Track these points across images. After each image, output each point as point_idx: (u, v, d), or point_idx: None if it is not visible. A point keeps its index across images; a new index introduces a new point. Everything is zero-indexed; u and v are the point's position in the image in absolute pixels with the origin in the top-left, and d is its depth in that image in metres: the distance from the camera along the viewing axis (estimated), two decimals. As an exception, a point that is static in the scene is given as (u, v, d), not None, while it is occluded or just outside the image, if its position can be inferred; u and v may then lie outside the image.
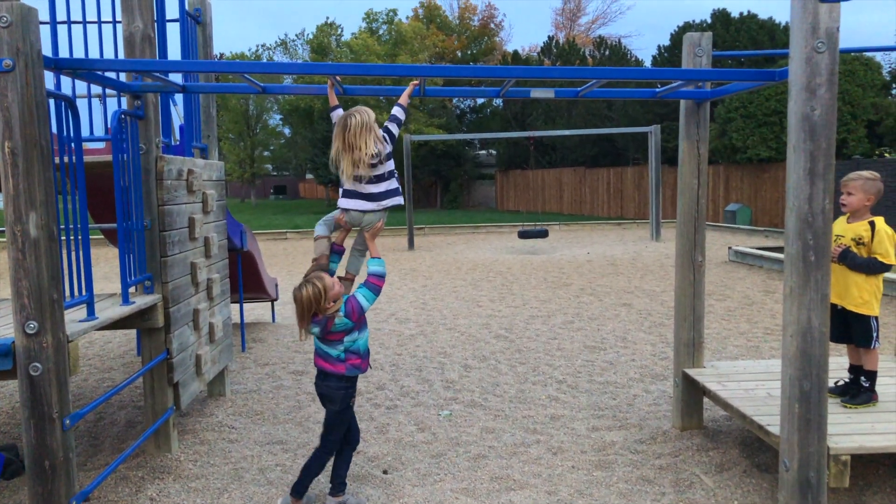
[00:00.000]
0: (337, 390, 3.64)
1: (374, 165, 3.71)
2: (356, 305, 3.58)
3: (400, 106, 3.95)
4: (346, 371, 3.62)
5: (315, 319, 3.55)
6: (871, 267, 3.99)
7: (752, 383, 4.47)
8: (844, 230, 4.11)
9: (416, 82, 3.99)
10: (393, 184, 3.83)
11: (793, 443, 3.34)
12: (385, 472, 4.20)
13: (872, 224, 4.02)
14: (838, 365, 4.46)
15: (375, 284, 3.66)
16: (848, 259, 4.01)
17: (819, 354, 3.28)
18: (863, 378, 4.10)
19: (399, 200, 3.90)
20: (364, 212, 3.79)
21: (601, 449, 4.50)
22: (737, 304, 9.37)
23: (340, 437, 3.73)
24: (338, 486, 3.75)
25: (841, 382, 4.22)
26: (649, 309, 9.21)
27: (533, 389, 5.82)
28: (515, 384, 5.98)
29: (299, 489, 3.69)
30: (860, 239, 4.03)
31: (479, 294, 10.68)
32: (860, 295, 4.02)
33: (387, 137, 3.79)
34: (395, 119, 3.89)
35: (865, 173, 4.09)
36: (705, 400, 4.74)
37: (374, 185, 3.77)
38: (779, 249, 12.93)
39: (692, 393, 4.71)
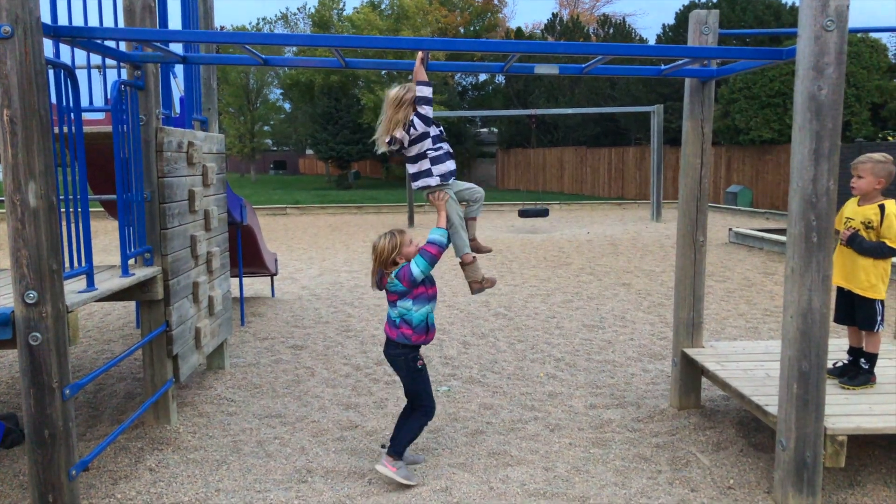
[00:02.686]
0: (397, 356, 3.76)
1: (398, 149, 3.82)
2: (407, 271, 3.64)
3: (420, 83, 3.83)
4: (396, 337, 3.73)
5: (379, 270, 3.71)
6: (879, 251, 3.95)
7: (750, 364, 4.49)
8: (854, 213, 4.07)
9: (421, 55, 3.93)
10: (424, 165, 3.82)
11: (790, 423, 3.35)
12: (383, 446, 4.22)
13: (882, 207, 3.96)
14: (837, 346, 4.47)
15: (429, 252, 3.66)
16: (856, 243, 3.97)
17: (819, 335, 3.28)
18: (863, 360, 4.11)
19: (427, 182, 3.84)
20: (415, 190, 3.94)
21: (598, 426, 4.52)
22: (736, 285, 9.38)
23: (430, 398, 3.84)
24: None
25: (839, 364, 4.23)
26: (648, 289, 9.22)
27: (531, 367, 5.84)
28: (514, 361, 6.00)
29: (397, 449, 3.76)
30: (869, 222, 3.98)
31: (479, 272, 10.68)
32: (867, 278, 3.99)
33: (414, 122, 3.76)
34: (422, 101, 3.79)
35: (876, 156, 4.02)
36: (703, 379, 4.76)
37: (410, 165, 3.86)
38: (779, 231, 12.92)
39: (690, 372, 4.72)
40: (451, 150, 3.92)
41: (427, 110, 3.78)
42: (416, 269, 3.62)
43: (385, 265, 3.68)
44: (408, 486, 3.68)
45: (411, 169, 3.86)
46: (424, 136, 3.79)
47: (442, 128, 3.92)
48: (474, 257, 3.94)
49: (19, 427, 4.17)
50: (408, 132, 3.77)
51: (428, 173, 3.82)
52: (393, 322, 3.75)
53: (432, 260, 3.65)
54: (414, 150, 3.81)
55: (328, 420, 4.64)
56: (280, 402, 4.98)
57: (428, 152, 3.81)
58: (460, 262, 3.96)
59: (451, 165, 3.86)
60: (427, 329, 3.76)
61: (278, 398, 5.08)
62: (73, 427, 3.28)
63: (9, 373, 5.70)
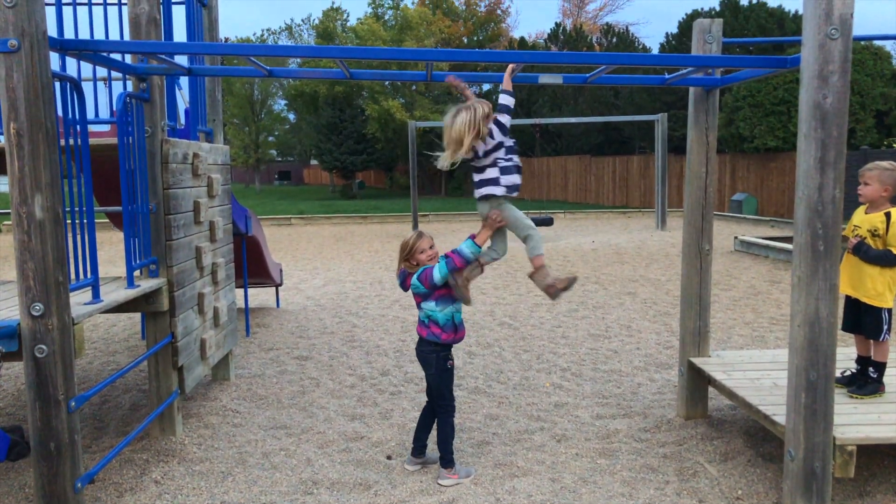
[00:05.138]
0: (428, 354, 3.88)
1: (470, 159, 3.81)
2: (428, 274, 3.76)
3: (505, 92, 3.86)
4: (427, 336, 3.85)
5: (400, 270, 3.90)
6: (885, 259, 3.92)
7: (757, 373, 4.46)
8: (862, 221, 4.03)
9: (512, 66, 3.90)
10: (492, 173, 3.80)
11: (798, 432, 3.33)
12: (389, 457, 4.20)
13: (888, 215, 3.92)
14: (845, 355, 4.44)
15: (451, 259, 3.74)
16: (862, 251, 3.95)
17: (826, 344, 3.26)
18: (871, 369, 4.08)
19: (493, 191, 3.81)
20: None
21: (605, 437, 4.49)
22: (742, 293, 9.35)
23: (452, 397, 3.96)
24: (419, 448, 4.04)
25: (848, 372, 4.20)
26: (654, 298, 9.19)
27: (537, 377, 5.81)
28: (519, 371, 5.98)
29: (447, 459, 3.89)
30: (875, 230, 3.95)
31: (483, 281, 10.67)
32: (874, 287, 3.96)
33: (493, 132, 3.75)
34: (504, 109, 3.81)
35: (884, 163, 4.00)
36: (710, 389, 4.73)
37: (477, 173, 3.87)
38: (785, 239, 12.88)
39: (697, 382, 4.70)
40: (521, 165, 3.90)
41: (507, 119, 3.80)
42: (437, 274, 3.74)
43: (401, 261, 3.87)
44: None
45: (477, 177, 3.85)
46: (499, 145, 3.79)
47: (515, 140, 3.90)
48: (543, 266, 3.96)
49: (25, 439, 4.16)
50: (485, 142, 3.76)
51: (495, 182, 3.80)
52: (422, 322, 3.88)
53: (454, 269, 3.74)
54: (488, 160, 3.79)
55: (333, 431, 4.63)
56: (285, 414, 4.97)
57: (498, 161, 3.80)
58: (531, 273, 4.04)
59: (516, 179, 3.85)
60: (455, 328, 3.88)
61: (283, 409, 5.07)
62: (78, 439, 3.28)
63: (14, 385, 5.70)
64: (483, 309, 8.59)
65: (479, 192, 3.87)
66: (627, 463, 4.09)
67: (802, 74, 3.22)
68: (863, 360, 4.17)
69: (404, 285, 3.90)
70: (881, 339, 4.02)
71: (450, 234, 18.22)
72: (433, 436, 4.03)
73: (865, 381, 4.07)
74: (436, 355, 3.87)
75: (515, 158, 3.86)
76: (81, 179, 3.61)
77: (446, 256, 3.75)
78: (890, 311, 4.01)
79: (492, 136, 3.75)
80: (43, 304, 3.08)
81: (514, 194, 3.88)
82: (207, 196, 5.05)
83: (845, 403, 3.89)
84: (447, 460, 3.90)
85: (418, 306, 3.90)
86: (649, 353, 6.50)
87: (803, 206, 3.25)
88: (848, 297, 4.14)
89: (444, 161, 3.80)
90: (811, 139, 3.19)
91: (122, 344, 7.05)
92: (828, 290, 3.24)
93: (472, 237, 3.81)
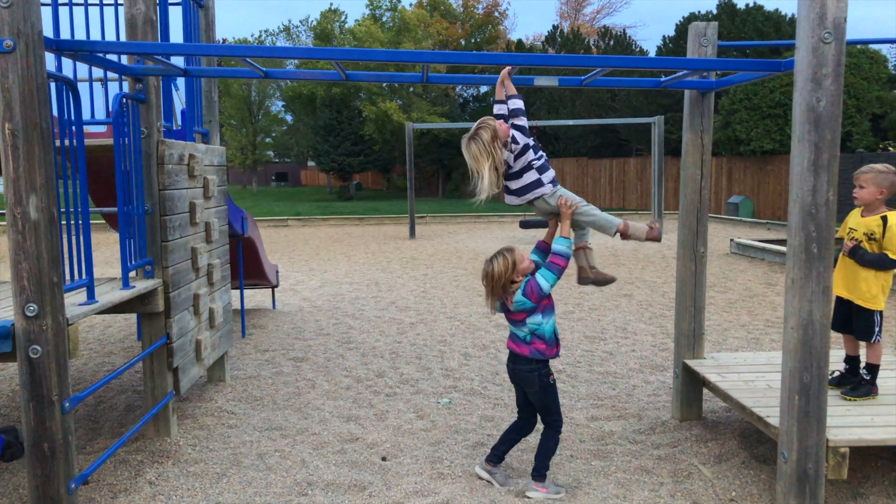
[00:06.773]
0: (528, 373, 3.72)
1: (507, 171, 3.82)
2: (535, 286, 3.59)
3: (512, 97, 3.86)
4: (530, 354, 3.68)
5: (498, 300, 3.70)
6: (881, 263, 3.93)
7: (751, 375, 4.47)
8: (858, 224, 4.04)
9: (508, 68, 3.91)
10: (532, 176, 3.81)
11: (792, 434, 3.33)
12: (384, 458, 4.21)
13: (885, 219, 3.93)
14: (838, 357, 4.45)
15: (556, 264, 3.63)
16: (858, 255, 3.96)
17: (820, 346, 3.27)
18: (864, 371, 4.09)
19: (542, 191, 3.82)
20: (514, 205, 3.95)
21: (600, 438, 4.50)
22: (738, 296, 9.37)
23: (560, 412, 3.83)
24: (494, 457, 3.92)
25: (836, 373, 4.21)
26: (650, 300, 9.21)
27: (532, 379, 5.81)
28: (515, 373, 5.98)
29: (541, 472, 3.75)
30: (872, 234, 3.96)
31: (480, 283, 10.67)
32: (868, 290, 3.97)
33: (515, 137, 3.76)
34: (518, 112, 3.81)
35: (878, 166, 4.01)
36: (705, 391, 4.74)
37: (514, 181, 3.85)
38: (781, 242, 12.91)
39: (692, 384, 4.71)
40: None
41: (523, 121, 3.79)
42: (545, 283, 3.59)
43: (504, 288, 3.63)
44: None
45: (516, 184, 3.84)
46: (526, 147, 3.79)
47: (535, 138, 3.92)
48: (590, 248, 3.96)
49: (19, 440, 4.15)
50: (511, 150, 3.77)
51: (539, 183, 3.82)
52: (522, 340, 3.70)
53: (560, 272, 3.63)
54: (519, 164, 3.80)
55: (329, 432, 4.63)
56: (280, 415, 4.97)
57: (533, 163, 3.81)
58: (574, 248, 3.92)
59: (553, 171, 3.90)
60: (557, 341, 3.76)
61: (279, 410, 5.07)
62: (72, 440, 3.27)
63: (9, 386, 5.69)
64: (479, 311, 8.60)
65: (525, 198, 3.86)
66: (622, 464, 4.10)
67: (796, 78, 3.23)
68: (851, 360, 4.19)
69: (506, 307, 3.71)
70: (873, 341, 4.03)
71: (447, 235, 18.22)
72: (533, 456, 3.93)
73: (858, 382, 4.09)
74: (537, 373, 3.70)
75: (543, 154, 3.90)
76: (77, 180, 3.61)
77: (548, 265, 3.64)
78: (881, 313, 4.03)
79: (516, 142, 3.76)
80: (37, 304, 3.08)
81: (558, 185, 3.91)
82: (203, 197, 5.05)
83: (838, 405, 3.91)
84: (540, 474, 3.73)
85: (517, 324, 3.69)
86: (644, 355, 6.51)
87: (797, 208, 3.26)
88: (839, 297, 4.16)
89: (484, 193, 3.75)
90: (805, 142, 3.20)
91: (118, 345, 7.04)
92: (821, 293, 3.25)
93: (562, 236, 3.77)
